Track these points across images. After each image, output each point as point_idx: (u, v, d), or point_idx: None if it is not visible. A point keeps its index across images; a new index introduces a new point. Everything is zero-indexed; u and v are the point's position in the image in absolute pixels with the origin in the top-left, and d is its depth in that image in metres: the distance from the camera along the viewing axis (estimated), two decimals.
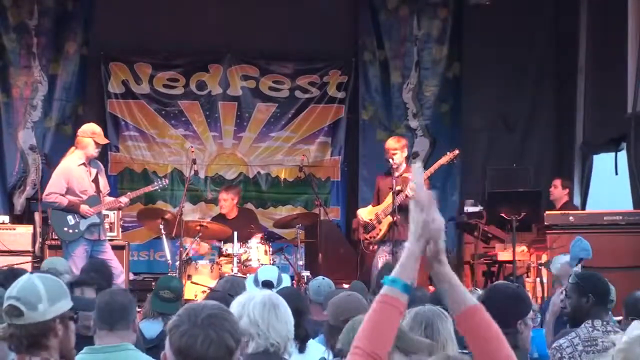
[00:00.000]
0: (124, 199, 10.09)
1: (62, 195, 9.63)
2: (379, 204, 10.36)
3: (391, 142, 10.41)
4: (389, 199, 10.13)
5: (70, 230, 9.62)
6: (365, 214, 10.41)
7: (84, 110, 12.70)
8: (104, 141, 9.95)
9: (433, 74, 13.17)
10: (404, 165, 10.16)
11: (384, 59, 13.15)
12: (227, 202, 11.48)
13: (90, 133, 9.75)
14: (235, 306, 3.65)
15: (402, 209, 9.86)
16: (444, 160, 10.41)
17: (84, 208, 9.63)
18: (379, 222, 10.16)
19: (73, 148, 9.86)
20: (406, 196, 9.81)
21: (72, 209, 9.62)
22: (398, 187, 9.99)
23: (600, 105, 12.34)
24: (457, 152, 10.59)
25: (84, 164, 9.72)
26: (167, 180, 10.88)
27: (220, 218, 11.56)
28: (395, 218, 9.99)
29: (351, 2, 13.49)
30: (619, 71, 10.81)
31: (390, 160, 10.19)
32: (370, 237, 10.24)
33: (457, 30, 13.15)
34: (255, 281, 6.68)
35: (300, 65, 13.25)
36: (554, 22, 13.34)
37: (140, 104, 13.01)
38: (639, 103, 10.19)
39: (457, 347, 3.57)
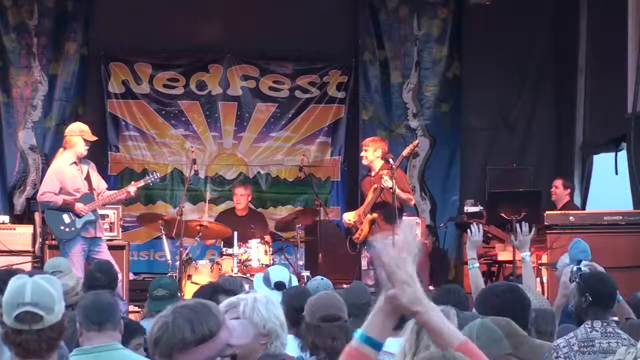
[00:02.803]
0: (131, 188, 10.08)
1: (56, 194, 9.63)
2: None
3: (366, 139, 10.73)
4: (369, 197, 10.34)
5: (67, 229, 9.62)
6: (349, 217, 10.55)
7: (84, 110, 12.69)
8: (93, 138, 9.87)
9: (433, 74, 13.18)
10: (379, 164, 10.29)
11: (384, 59, 13.15)
12: (244, 198, 11.52)
13: (78, 131, 9.75)
14: (261, 308, 3.62)
15: (379, 206, 10.06)
16: (405, 152, 10.56)
17: (79, 206, 9.63)
18: (361, 223, 10.30)
19: (62, 149, 9.84)
20: (381, 185, 10.02)
21: (67, 207, 9.62)
22: (376, 185, 10.17)
23: (600, 105, 12.34)
24: (417, 142, 10.99)
25: (75, 162, 9.72)
26: (158, 174, 10.77)
27: (230, 213, 11.56)
28: (373, 215, 10.15)
29: (351, 2, 13.49)
30: (619, 71, 10.81)
31: (361, 155, 10.51)
32: (355, 239, 10.36)
33: (457, 31, 13.16)
34: (266, 281, 6.67)
35: (300, 65, 13.25)
36: (554, 22, 13.34)
37: (140, 104, 13.01)
38: (639, 103, 10.19)
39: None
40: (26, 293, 3.03)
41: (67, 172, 9.71)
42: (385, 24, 13.14)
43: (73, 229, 9.62)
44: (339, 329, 3.90)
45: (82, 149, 9.71)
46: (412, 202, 10.97)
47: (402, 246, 2.44)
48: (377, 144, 10.44)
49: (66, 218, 9.63)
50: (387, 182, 9.93)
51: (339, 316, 4.30)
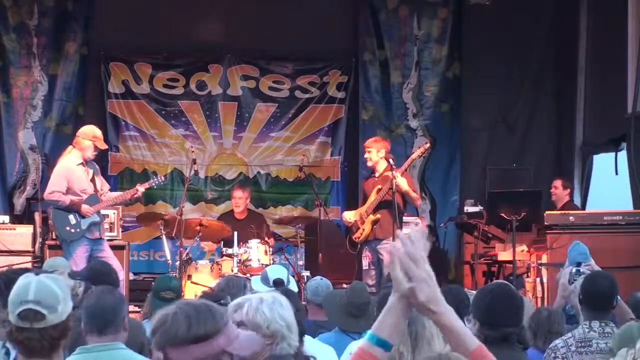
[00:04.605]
0: (140, 189, 10.09)
1: (64, 194, 9.64)
2: None
3: (369, 140, 10.71)
4: (372, 198, 10.30)
5: (73, 230, 9.63)
6: (350, 216, 10.53)
7: (84, 110, 12.70)
8: (104, 146, 9.96)
9: (433, 74, 13.18)
10: (383, 165, 10.28)
11: (384, 59, 13.15)
12: (242, 201, 11.48)
13: (91, 136, 9.74)
14: (265, 310, 3.60)
15: (384, 206, 10.05)
16: (415, 155, 10.62)
17: (85, 207, 9.64)
18: (363, 222, 10.29)
19: (70, 147, 9.85)
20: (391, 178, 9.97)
21: (73, 208, 9.63)
22: (379, 186, 10.16)
23: (600, 105, 12.35)
24: (427, 145, 11.03)
25: (82, 163, 9.72)
26: (162, 177, 10.82)
27: (229, 216, 11.53)
28: (376, 216, 10.14)
29: (351, 2, 13.49)
30: (619, 71, 10.81)
31: (365, 157, 10.46)
32: (356, 238, 10.36)
33: (457, 30, 13.15)
34: (265, 280, 6.67)
35: (300, 65, 13.26)
36: (554, 22, 13.34)
37: (140, 104, 13.01)
38: (639, 103, 10.19)
39: (443, 342, 3.56)
40: (30, 291, 3.04)
41: (75, 172, 9.72)
42: (385, 24, 13.14)
43: (78, 230, 9.63)
44: None
45: (90, 154, 9.73)
46: (419, 202, 11.03)
47: (418, 244, 2.44)
48: (379, 144, 10.44)
49: (72, 219, 9.65)
50: (399, 178, 9.96)
51: None
